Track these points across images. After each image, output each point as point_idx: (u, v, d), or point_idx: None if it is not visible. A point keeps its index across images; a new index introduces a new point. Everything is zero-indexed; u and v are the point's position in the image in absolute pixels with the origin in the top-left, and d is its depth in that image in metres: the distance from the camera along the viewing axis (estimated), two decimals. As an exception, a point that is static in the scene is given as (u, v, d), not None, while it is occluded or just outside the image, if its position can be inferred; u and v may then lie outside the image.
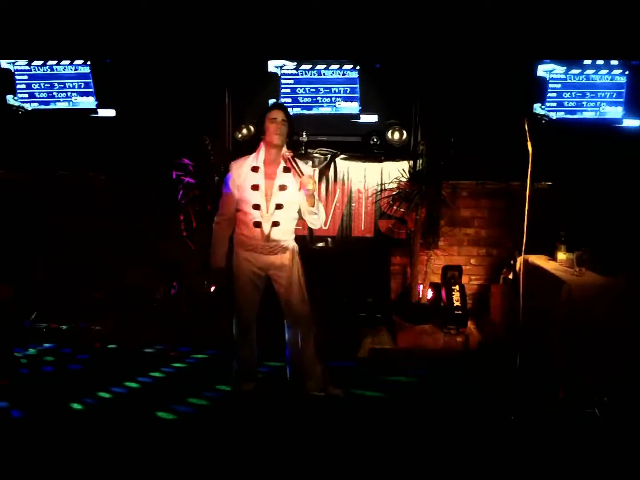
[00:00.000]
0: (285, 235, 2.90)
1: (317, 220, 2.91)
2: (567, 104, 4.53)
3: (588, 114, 4.53)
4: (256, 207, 2.80)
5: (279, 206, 2.81)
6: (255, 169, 2.83)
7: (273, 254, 2.88)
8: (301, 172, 2.75)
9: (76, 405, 3.04)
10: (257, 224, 2.81)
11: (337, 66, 4.60)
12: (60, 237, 4.91)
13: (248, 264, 2.91)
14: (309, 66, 4.63)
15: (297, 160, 2.83)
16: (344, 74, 4.63)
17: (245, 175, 2.84)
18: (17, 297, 4.58)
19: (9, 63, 4.79)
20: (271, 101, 4.63)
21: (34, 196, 4.93)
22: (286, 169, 2.81)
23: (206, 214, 4.40)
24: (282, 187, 2.82)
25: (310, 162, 4.45)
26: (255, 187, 2.80)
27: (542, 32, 4.31)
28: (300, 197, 2.85)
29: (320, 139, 4.60)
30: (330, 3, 4.45)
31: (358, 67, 4.58)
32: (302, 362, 3.01)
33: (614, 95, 4.48)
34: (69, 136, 4.81)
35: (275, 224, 2.82)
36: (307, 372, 3.01)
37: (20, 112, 4.87)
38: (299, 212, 2.94)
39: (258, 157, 2.86)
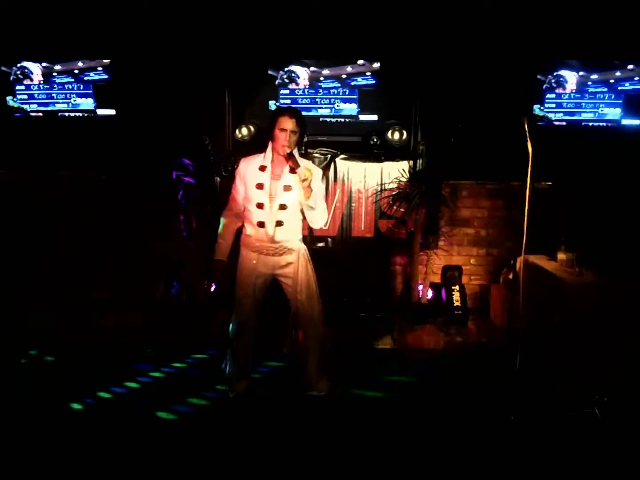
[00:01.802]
0: (290, 235, 2.86)
1: (316, 216, 2.83)
2: (566, 105, 4.53)
3: (587, 115, 4.54)
4: (260, 205, 2.79)
5: (282, 206, 2.79)
6: (262, 168, 2.82)
7: (278, 255, 2.87)
8: (297, 164, 2.69)
9: (76, 405, 3.03)
10: (261, 224, 2.80)
11: (337, 73, 4.59)
12: (61, 236, 4.90)
13: (252, 264, 2.89)
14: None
15: (297, 156, 2.77)
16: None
17: (252, 173, 2.83)
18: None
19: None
20: (271, 102, 4.65)
21: (35, 196, 4.92)
22: (292, 170, 2.75)
23: (206, 214, 4.40)
24: (287, 188, 2.79)
25: (310, 163, 4.44)
26: (260, 186, 2.80)
27: (542, 33, 4.32)
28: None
29: (320, 139, 4.61)
30: (330, 4, 4.45)
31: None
32: (306, 363, 3.00)
33: (613, 97, 4.48)
34: (69, 136, 4.80)
35: (279, 223, 2.79)
36: (311, 373, 3.01)
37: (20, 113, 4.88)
38: (302, 211, 2.88)
39: (266, 157, 2.85)
